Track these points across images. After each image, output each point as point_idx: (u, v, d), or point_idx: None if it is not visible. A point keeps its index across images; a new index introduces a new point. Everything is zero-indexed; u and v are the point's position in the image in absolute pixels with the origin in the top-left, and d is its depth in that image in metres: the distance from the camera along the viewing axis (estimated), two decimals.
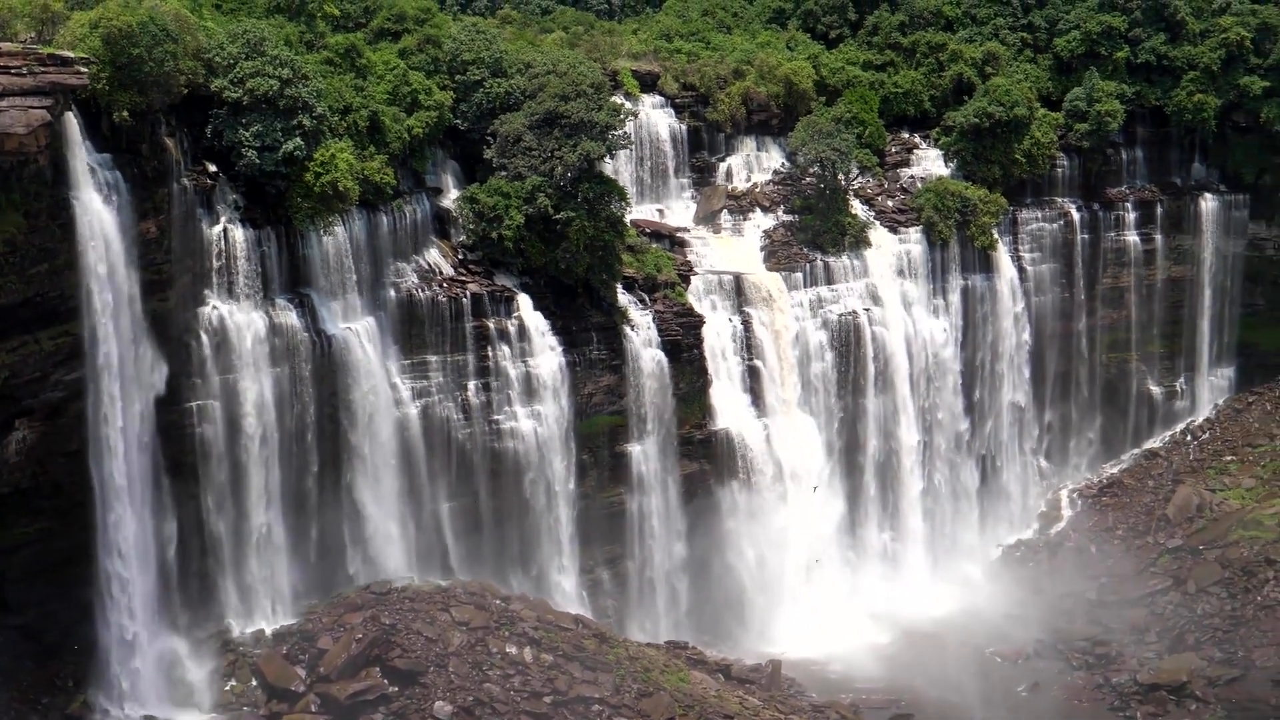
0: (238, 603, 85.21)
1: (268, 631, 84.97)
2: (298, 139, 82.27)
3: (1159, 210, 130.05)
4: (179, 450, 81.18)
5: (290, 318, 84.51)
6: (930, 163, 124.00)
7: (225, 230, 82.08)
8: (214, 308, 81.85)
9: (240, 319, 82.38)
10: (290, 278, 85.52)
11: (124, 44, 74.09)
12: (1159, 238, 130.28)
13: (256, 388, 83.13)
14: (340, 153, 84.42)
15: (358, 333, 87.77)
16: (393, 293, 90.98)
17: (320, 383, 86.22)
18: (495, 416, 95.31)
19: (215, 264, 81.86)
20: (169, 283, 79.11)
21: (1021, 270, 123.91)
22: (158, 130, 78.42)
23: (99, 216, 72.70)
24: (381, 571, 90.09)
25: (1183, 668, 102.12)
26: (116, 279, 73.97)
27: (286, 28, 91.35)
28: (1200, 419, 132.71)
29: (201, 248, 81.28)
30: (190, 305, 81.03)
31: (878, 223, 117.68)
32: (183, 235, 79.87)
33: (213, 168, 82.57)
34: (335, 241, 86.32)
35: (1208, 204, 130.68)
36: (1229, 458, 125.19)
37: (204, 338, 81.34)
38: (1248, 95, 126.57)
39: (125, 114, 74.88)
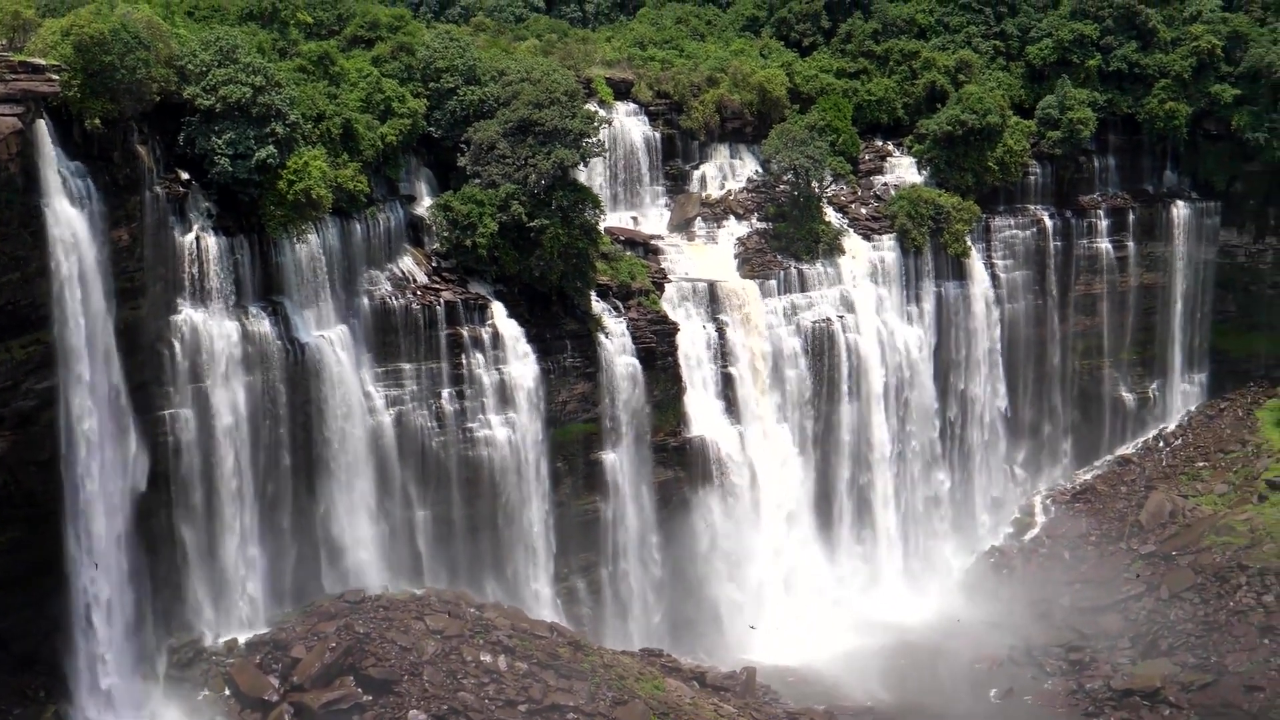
0: (210, 612, 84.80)
1: (241, 641, 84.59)
2: (271, 147, 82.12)
3: (1131, 217, 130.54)
4: (151, 459, 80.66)
5: (263, 326, 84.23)
6: (904, 170, 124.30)
7: (198, 238, 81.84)
8: (186, 316, 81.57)
9: (213, 327, 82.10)
10: (263, 286, 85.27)
11: (96, 51, 73.83)
12: (1131, 245, 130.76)
13: (229, 396, 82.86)
14: (313, 160, 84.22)
15: (331, 341, 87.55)
16: (366, 301, 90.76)
17: (293, 391, 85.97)
18: (469, 424, 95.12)
19: (188, 272, 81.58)
20: (141, 291, 78.78)
21: (995, 277, 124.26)
22: (130, 138, 78.12)
23: (71, 224, 72.31)
24: (355, 580, 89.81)
25: (1156, 673, 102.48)
26: (88, 287, 73.58)
27: (259, 35, 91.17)
28: (1173, 425, 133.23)
29: (174, 256, 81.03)
30: (162, 313, 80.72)
31: (851, 230, 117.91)
32: (155, 243, 79.58)
33: (185, 175, 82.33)
34: (308, 249, 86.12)
35: (1179, 211, 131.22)
36: (1201, 464, 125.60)
37: (176, 346, 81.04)
38: (1219, 103, 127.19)
39: (97, 121, 74.57)
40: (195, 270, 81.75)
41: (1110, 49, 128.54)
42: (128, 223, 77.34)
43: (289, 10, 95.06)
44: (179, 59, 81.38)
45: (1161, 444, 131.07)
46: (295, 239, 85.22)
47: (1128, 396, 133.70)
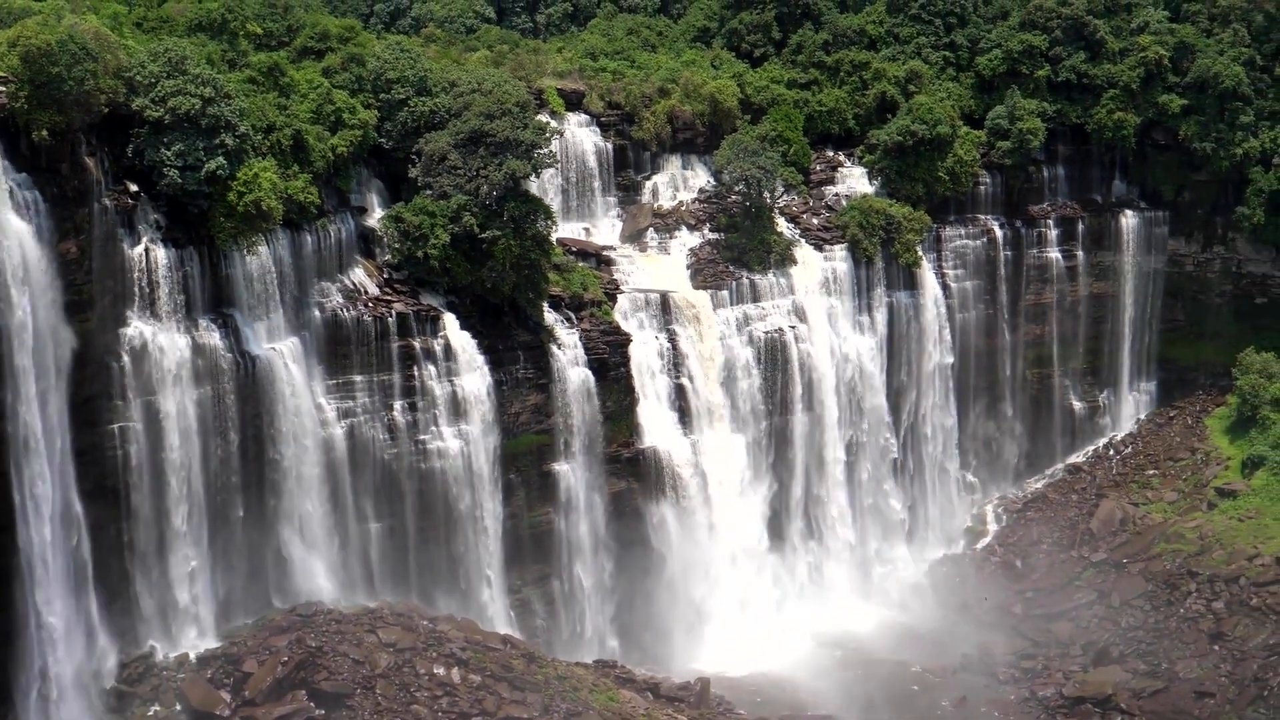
0: (161, 626, 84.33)
1: (192, 655, 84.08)
2: (220, 158, 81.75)
3: (1080, 227, 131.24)
4: (100, 473, 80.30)
5: (213, 338, 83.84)
6: (855, 180, 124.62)
7: (147, 250, 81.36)
8: (136, 328, 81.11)
9: (162, 340, 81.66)
10: (213, 298, 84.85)
11: (43, 62, 73.45)
12: (1080, 254, 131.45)
13: (179, 409, 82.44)
14: (263, 172, 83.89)
15: (282, 353, 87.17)
16: (317, 312, 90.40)
17: (244, 404, 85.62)
18: (421, 436, 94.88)
19: (137, 284, 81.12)
20: (90, 303, 78.38)
21: (946, 287, 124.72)
22: (78, 149, 77.69)
23: (18, 237, 71.97)
24: (307, 593, 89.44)
25: (1108, 680, 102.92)
26: (36, 300, 73.15)
27: (208, 46, 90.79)
28: (1122, 433, 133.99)
29: (123, 268, 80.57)
30: (111, 326, 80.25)
31: (803, 240, 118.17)
32: (103, 255, 79.15)
33: (134, 187, 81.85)
34: (259, 261, 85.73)
35: (1128, 220, 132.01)
36: (1151, 472, 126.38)
37: (125, 359, 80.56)
38: (1166, 113, 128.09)
39: (44, 133, 74.22)
40: (145, 283, 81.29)
41: (1059, 60, 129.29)
42: (76, 235, 76.94)
43: (238, 21, 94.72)
44: (127, 70, 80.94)
45: (1112, 452, 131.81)
46: (245, 251, 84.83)
47: (1078, 405, 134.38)
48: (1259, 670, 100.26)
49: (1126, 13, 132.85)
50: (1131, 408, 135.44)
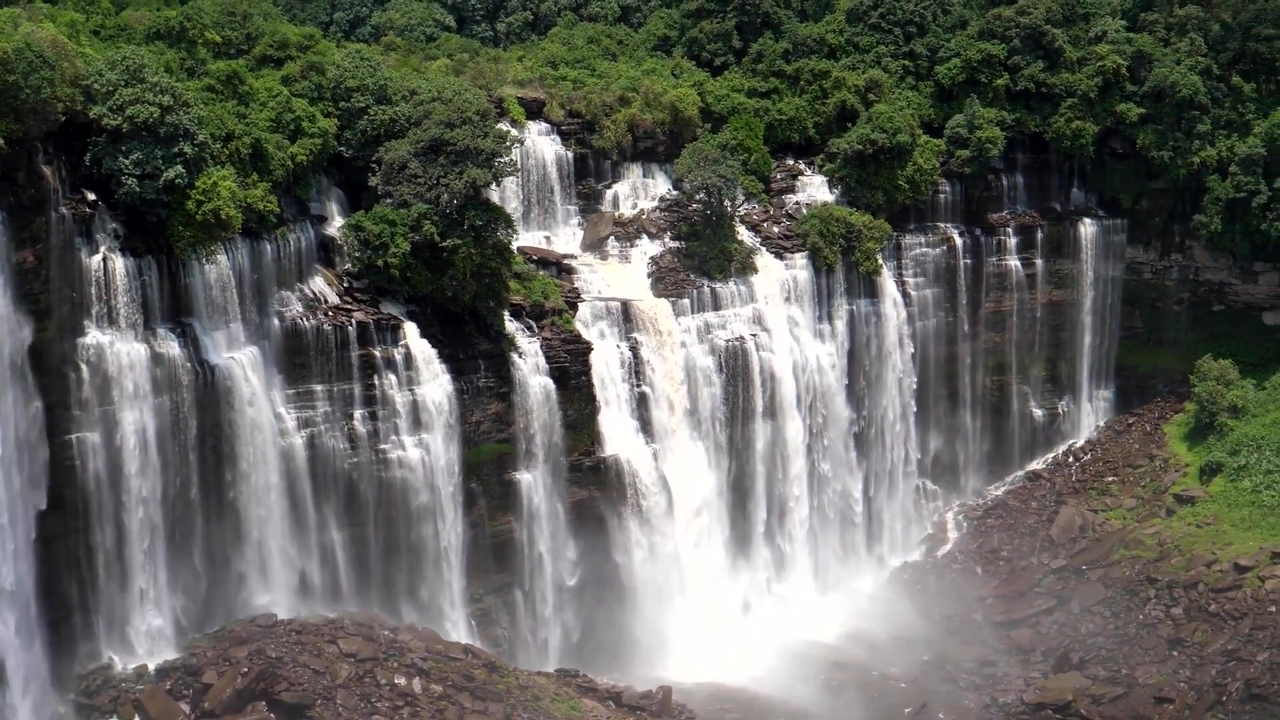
0: (119, 637, 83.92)
1: (150, 667, 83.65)
2: (179, 167, 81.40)
3: (1039, 235, 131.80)
4: (58, 483, 79.78)
5: (172, 348, 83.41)
6: (815, 189, 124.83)
7: (105, 259, 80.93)
8: (94, 338, 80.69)
9: (120, 349, 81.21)
10: (172, 307, 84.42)
11: None
12: (1039, 262, 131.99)
13: (137, 419, 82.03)
14: (222, 180, 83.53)
15: (241, 362, 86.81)
16: (277, 322, 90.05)
17: (203, 413, 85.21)
18: (382, 446, 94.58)
19: (95, 293, 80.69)
20: (47, 313, 77.97)
21: (906, 295, 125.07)
22: (35, 158, 77.30)
23: None
24: (267, 604, 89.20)
25: (1068, 687, 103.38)
26: None
27: (167, 54, 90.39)
28: (1082, 440, 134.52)
29: (80, 277, 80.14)
30: (69, 335, 79.79)
31: (764, 249, 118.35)
32: (61, 265, 78.70)
33: (92, 196, 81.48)
34: (218, 270, 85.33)
35: (1087, 229, 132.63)
36: (1110, 478, 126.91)
37: (83, 368, 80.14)
38: (1124, 121, 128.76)
39: (1, 142, 73.62)
40: (102, 292, 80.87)
41: (1018, 69, 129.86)
42: (33, 244, 76.57)
43: (196, 29, 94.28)
44: (85, 78, 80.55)
45: (1071, 459, 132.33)
46: (204, 260, 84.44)
47: (1037, 412, 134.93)
48: (1218, 676, 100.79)
49: (1084, 22, 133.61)
50: (1090, 415, 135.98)
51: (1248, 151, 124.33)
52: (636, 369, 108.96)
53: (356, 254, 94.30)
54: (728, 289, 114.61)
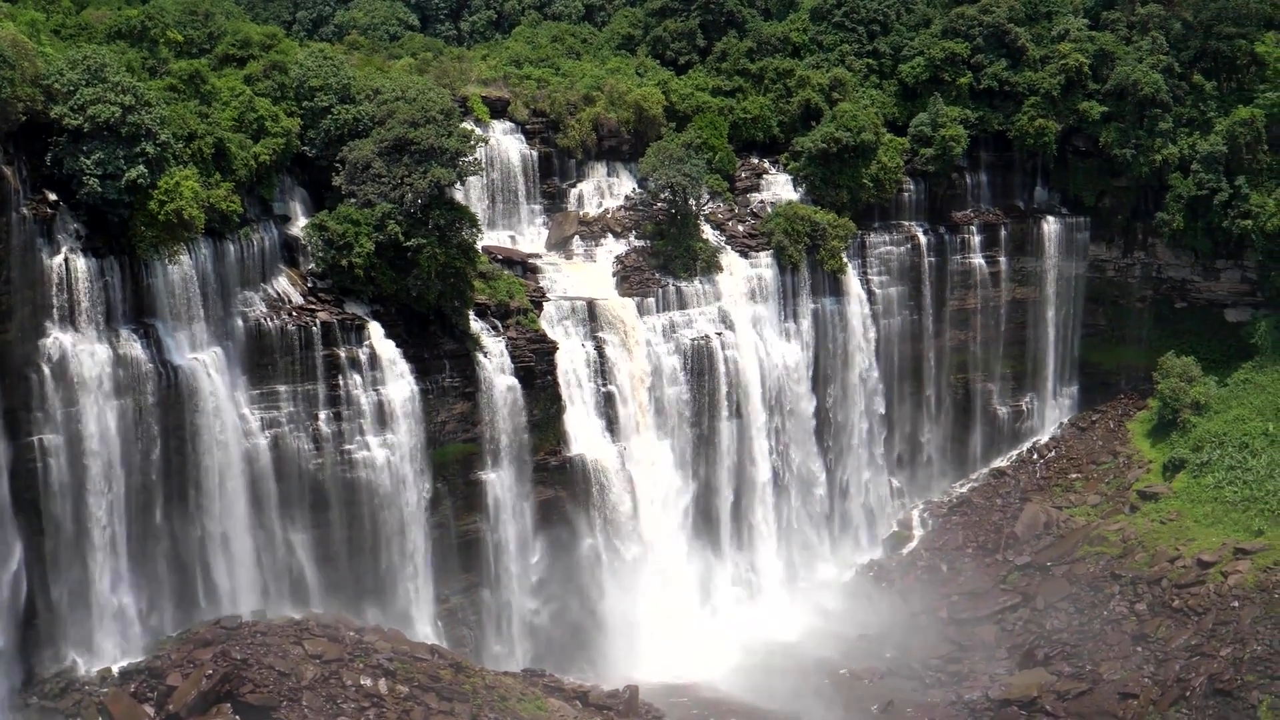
0: (83, 640, 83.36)
1: (114, 669, 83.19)
2: (141, 166, 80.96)
3: (1003, 233, 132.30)
4: (21, 485, 79.29)
5: (135, 348, 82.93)
6: (780, 188, 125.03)
7: (66, 260, 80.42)
8: (55, 339, 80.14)
9: (83, 350, 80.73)
10: (135, 308, 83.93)
11: None
12: (1003, 260, 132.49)
13: (100, 420, 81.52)
14: (185, 180, 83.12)
15: (205, 363, 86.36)
16: (241, 322, 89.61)
17: (166, 414, 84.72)
18: (347, 446, 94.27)
19: (56, 294, 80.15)
20: (8, 314, 77.40)
21: (870, 293, 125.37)
22: None
23: None
24: (232, 605, 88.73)
25: (1033, 683, 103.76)
26: None
27: (128, 54, 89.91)
28: (1046, 438, 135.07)
29: (42, 278, 79.60)
30: (31, 337, 79.26)
31: (729, 247, 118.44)
32: (22, 265, 78.14)
33: (53, 196, 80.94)
34: (181, 270, 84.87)
35: (1050, 226, 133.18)
36: (1074, 475, 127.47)
37: (45, 370, 79.60)
38: (1087, 120, 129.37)
39: None
40: (64, 293, 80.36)
41: (981, 67, 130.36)
42: None
43: (158, 29, 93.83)
44: (45, 78, 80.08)
45: (1035, 456, 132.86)
46: (167, 260, 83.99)
47: (1001, 409, 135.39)
48: (1181, 671, 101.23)
49: (1047, 20, 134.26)
50: (1054, 412, 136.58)
51: (1209, 149, 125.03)
52: (602, 368, 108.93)
53: (320, 254, 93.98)
54: (693, 288, 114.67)
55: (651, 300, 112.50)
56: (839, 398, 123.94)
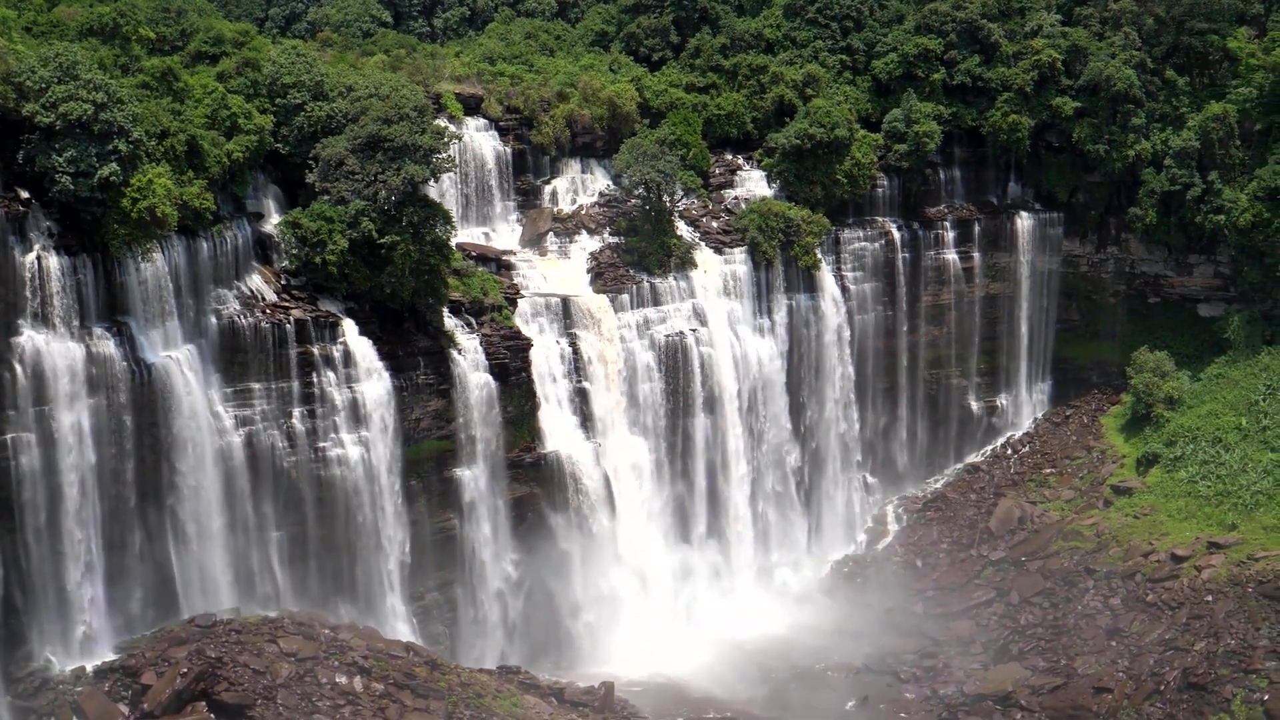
0: (57, 639, 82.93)
1: (88, 668, 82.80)
2: (113, 164, 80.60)
3: (977, 229, 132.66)
4: None
5: (108, 346, 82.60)
6: (754, 184, 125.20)
7: (39, 258, 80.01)
8: (28, 337, 79.71)
9: (56, 349, 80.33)
10: (108, 306, 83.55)
11: None
12: (977, 255, 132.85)
13: (73, 419, 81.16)
14: (158, 178, 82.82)
15: (178, 361, 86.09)
16: (214, 320, 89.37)
17: (140, 413, 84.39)
18: (321, 443, 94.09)
19: (29, 293, 79.72)
20: None
21: (845, 289, 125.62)
22: None
23: None
24: (207, 604, 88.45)
25: (1008, 678, 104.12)
26: None
27: (100, 51, 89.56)
28: (1020, 433, 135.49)
29: (14, 276, 79.18)
30: (3, 335, 78.83)
31: (703, 244, 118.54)
32: None
33: (25, 194, 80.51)
34: (154, 268, 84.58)
35: (1023, 222, 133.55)
36: (1048, 470, 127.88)
37: (18, 368, 79.20)
38: (1060, 115, 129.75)
39: None
40: (37, 291, 79.95)
41: (954, 63, 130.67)
42: None
43: (130, 26, 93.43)
44: (16, 75, 79.69)
45: (1009, 451, 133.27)
46: (140, 258, 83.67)
47: (975, 405, 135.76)
48: (1155, 665, 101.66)
49: (1020, 16, 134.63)
50: (1028, 407, 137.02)
51: (1182, 145, 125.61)
52: (576, 365, 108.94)
53: (294, 251, 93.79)
54: (667, 284, 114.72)
55: (626, 297, 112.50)
56: (813, 394, 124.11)
